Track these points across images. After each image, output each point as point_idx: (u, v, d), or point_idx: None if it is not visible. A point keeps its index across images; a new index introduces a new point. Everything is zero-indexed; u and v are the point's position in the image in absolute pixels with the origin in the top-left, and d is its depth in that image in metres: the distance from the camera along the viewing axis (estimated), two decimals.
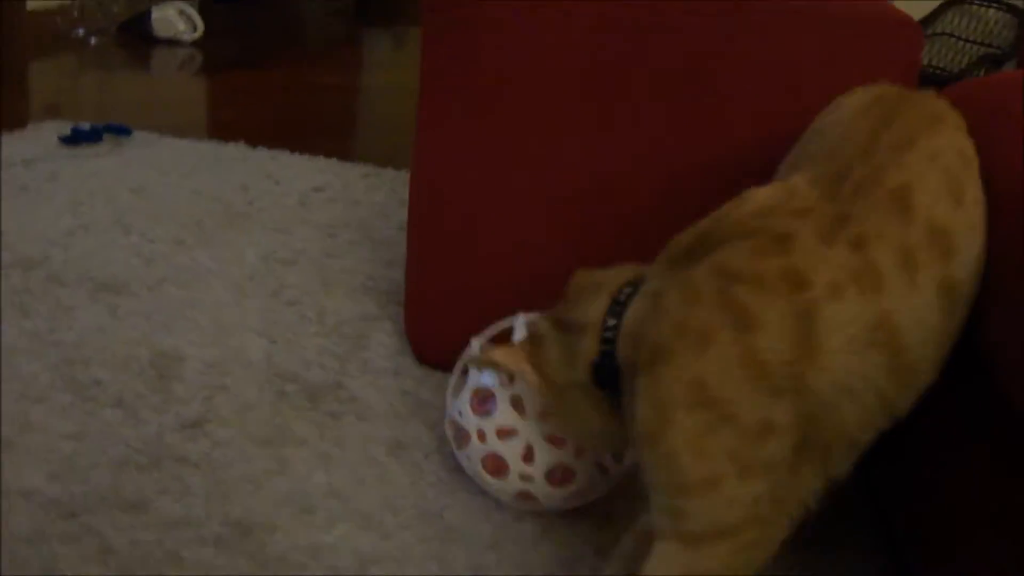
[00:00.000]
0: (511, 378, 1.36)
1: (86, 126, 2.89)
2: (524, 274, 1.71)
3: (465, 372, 1.47)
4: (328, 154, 2.93)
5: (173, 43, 4.71)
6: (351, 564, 1.35)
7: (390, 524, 1.44)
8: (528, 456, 1.38)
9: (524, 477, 1.39)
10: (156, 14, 4.68)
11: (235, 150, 2.89)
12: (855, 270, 1.09)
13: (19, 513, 1.34)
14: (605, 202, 1.69)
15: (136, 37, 4.74)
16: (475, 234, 1.74)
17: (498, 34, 1.63)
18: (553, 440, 1.37)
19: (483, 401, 1.41)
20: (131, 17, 4.80)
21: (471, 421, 1.41)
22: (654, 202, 1.66)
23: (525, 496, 1.41)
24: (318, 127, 3.45)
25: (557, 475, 1.39)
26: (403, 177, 2.72)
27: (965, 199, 1.17)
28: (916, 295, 1.11)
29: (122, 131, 2.91)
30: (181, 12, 4.72)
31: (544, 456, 1.38)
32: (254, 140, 2.99)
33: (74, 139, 2.83)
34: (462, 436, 1.44)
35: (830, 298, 1.08)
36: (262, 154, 2.87)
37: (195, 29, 4.75)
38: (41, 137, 2.86)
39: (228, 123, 3.31)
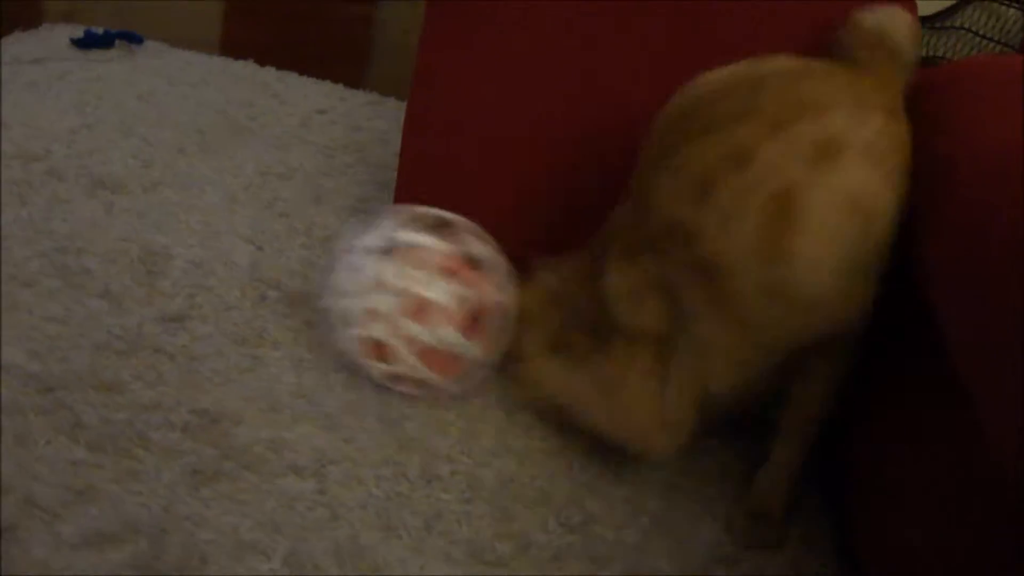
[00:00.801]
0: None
1: (99, 31, 2.93)
2: (512, 197, 1.75)
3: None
4: (336, 80, 2.96)
5: None
6: (310, 461, 1.41)
7: (352, 427, 1.49)
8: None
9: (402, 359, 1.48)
10: None
11: (244, 67, 2.92)
12: None
13: None
14: (599, 127, 1.72)
15: None
16: (466, 153, 1.78)
17: None
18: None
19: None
20: None
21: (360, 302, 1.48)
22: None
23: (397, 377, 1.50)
24: (330, 53, 3.46)
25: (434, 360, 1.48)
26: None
27: None
28: None
29: (134, 39, 2.95)
30: None
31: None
32: (264, 60, 3.02)
33: (86, 43, 2.87)
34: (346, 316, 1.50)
35: None
36: (270, 73, 2.90)
37: None
38: (53, 38, 2.90)
39: (241, 41, 3.32)
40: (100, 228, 1.87)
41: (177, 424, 1.43)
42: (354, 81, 3.01)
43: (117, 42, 2.93)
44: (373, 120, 2.67)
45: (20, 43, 2.82)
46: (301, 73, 2.97)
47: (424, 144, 1.83)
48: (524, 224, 1.75)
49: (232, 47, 3.19)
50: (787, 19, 1.63)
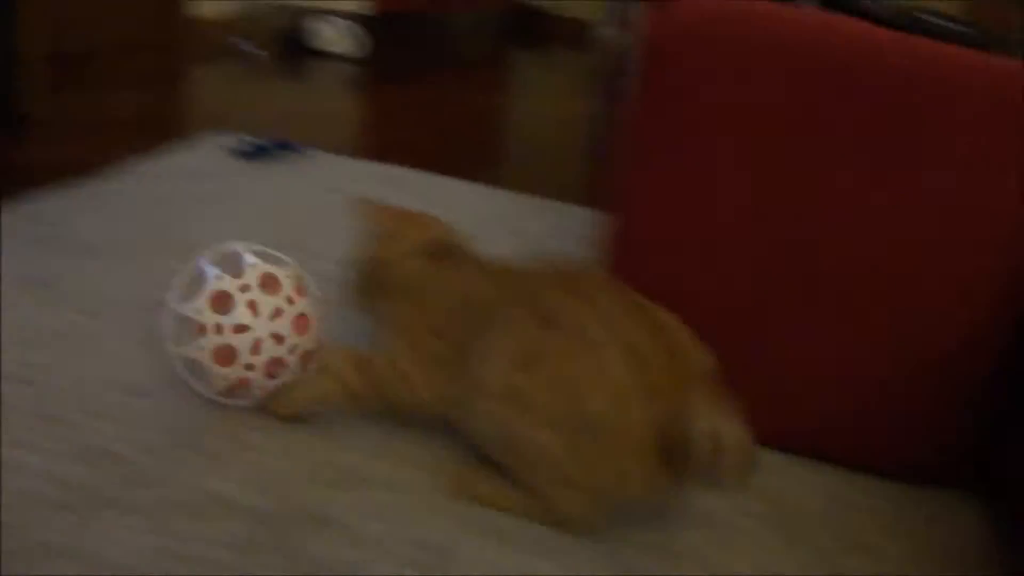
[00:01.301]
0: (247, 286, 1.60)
1: (257, 141, 2.96)
2: (723, 323, 1.70)
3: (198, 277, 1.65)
4: (479, 179, 2.98)
5: (335, 57, 4.78)
6: None
7: (567, 551, 1.44)
8: (256, 349, 1.58)
9: (248, 366, 1.59)
10: (320, 29, 4.75)
11: (399, 172, 2.93)
12: None
13: None
14: (809, 256, 1.66)
15: (299, 50, 4.83)
16: (677, 280, 1.73)
17: (713, 83, 1.62)
18: (276, 338, 1.60)
19: (222, 302, 1.59)
20: (295, 31, 4.88)
21: (209, 316, 1.59)
22: (857, 257, 1.63)
23: (242, 383, 1.61)
24: (470, 151, 3.48)
25: (274, 367, 1.61)
26: (567, 210, 2.74)
27: None
28: None
29: (291, 148, 2.97)
30: (346, 28, 4.78)
31: (269, 350, 1.59)
32: (408, 160, 3.06)
33: (246, 153, 2.90)
34: (196, 328, 1.60)
35: None
36: (425, 178, 2.89)
37: (359, 45, 4.81)
38: (211, 149, 2.94)
39: (386, 143, 3.36)
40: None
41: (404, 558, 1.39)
42: (497, 178, 3.00)
43: (275, 151, 2.95)
44: (530, 222, 2.64)
45: (179, 155, 2.85)
46: (448, 174, 2.99)
47: (633, 261, 1.77)
48: (732, 335, 1.69)
49: (377, 147, 3.21)
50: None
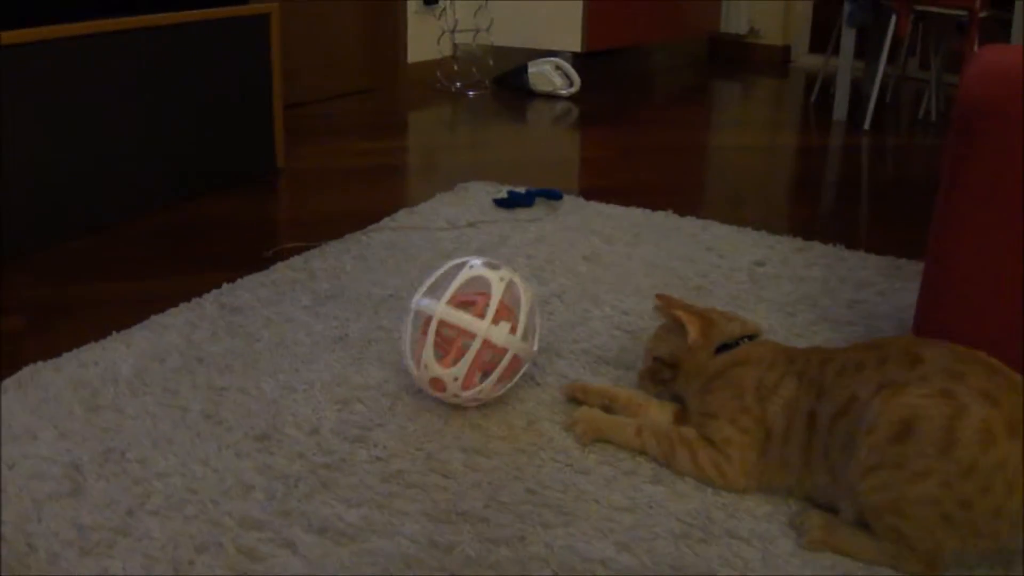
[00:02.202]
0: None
1: (521, 190, 2.97)
2: None
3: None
4: (722, 220, 2.95)
5: (549, 97, 4.79)
6: None
7: None
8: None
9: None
10: (533, 69, 4.78)
11: (666, 219, 2.90)
12: None
13: None
14: None
15: (512, 90, 4.85)
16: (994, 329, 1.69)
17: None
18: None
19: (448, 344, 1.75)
20: (507, 72, 4.91)
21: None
22: None
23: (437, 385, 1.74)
24: (698, 189, 3.45)
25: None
26: (835, 252, 2.68)
27: None
28: None
29: (553, 195, 2.97)
30: (557, 67, 4.80)
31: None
32: (647, 201, 3.07)
33: (509, 202, 2.91)
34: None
35: None
36: (692, 223, 2.86)
37: (571, 84, 4.82)
38: (472, 198, 2.95)
39: (618, 183, 3.34)
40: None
41: None
42: (739, 218, 2.98)
43: (537, 199, 2.95)
44: (809, 269, 2.58)
45: (445, 205, 2.87)
46: (697, 215, 2.96)
47: (949, 310, 1.73)
48: None
49: (601, 189, 3.20)
50: None
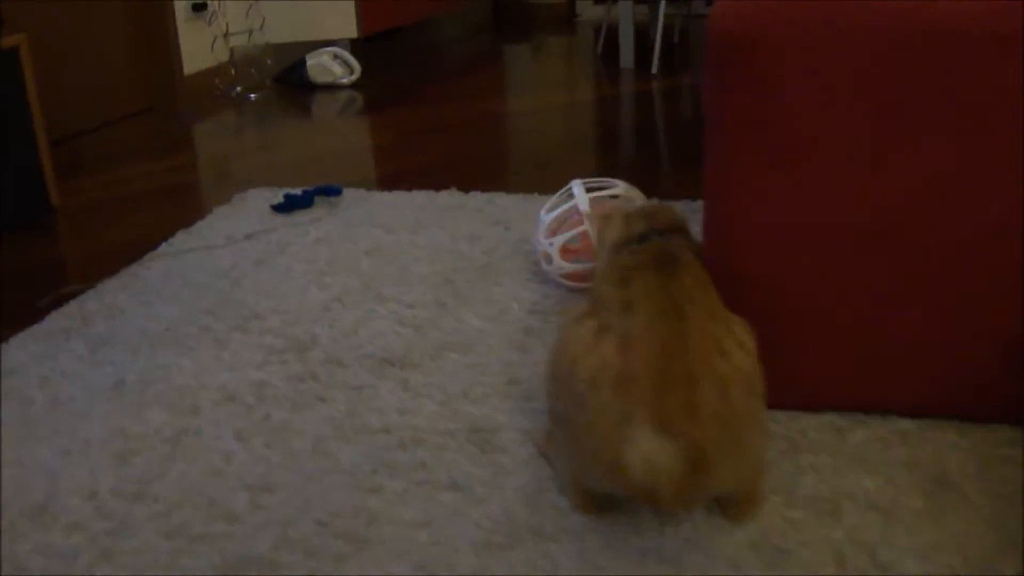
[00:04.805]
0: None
1: (297, 191, 2.89)
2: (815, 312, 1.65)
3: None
4: (524, 188, 2.93)
5: (331, 87, 4.71)
6: None
7: None
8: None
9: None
10: (311, 61, 4.70)
11: (449, 198, 2.85)
12: None
13: None
14: (893, 238, 1.60)
15: (293, 87, 4.76)
16: (773, 263, 1.66)
17: (787, 66, 1.55)
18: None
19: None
20: (285, 68, 4.81)
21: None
22: (938, 239, 1.58)
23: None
24: (492, 161, 3.41)
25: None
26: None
27: None
28: None
29: (332, 191, 2.89)
30: (335, 56, 4.72)
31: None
32: (438, 182, 3.03)
33: (287, 206, 2.82)
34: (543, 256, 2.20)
35: None
36: (476, 199, 2.82)
37: (352, 71, 4.75)
38: (251, 207, 2.86)
39: (408, 169, 3.29)
40: (411, 412, 1.77)
41: None
42: (532, 183, 2.97)
43: (316, 199, 2.87)
44: None
45: (222, 219, 2.77)
46: (485, 189, 2.95)
47: (727, 247, 1.69)
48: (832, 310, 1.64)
49: (392, 178, 3.14)
50: None
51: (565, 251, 2.18)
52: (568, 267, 2.18)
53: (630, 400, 1.27)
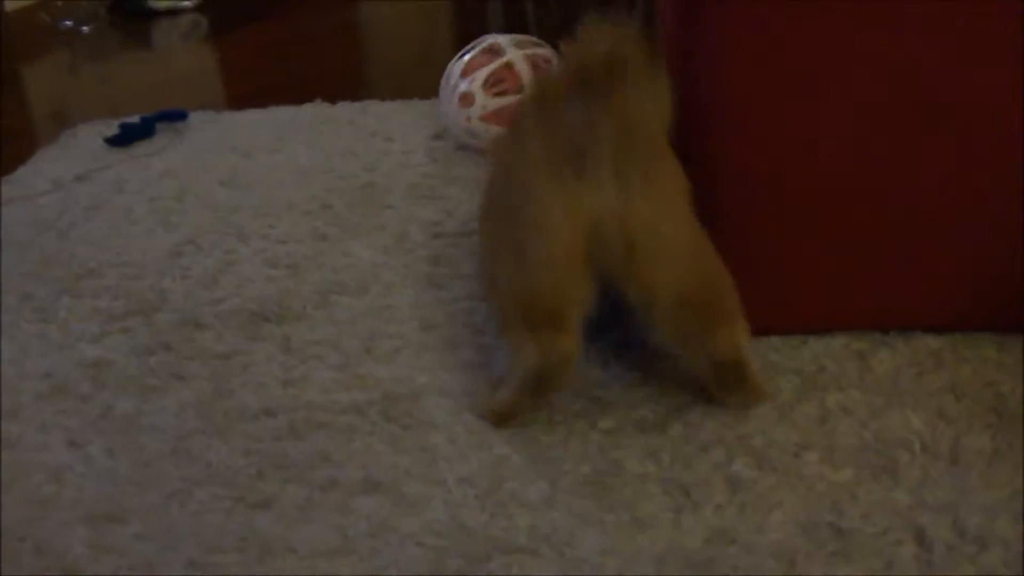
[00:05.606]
0: None
1: (135, 119, 2.43)
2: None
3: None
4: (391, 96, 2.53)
5: (172, 12, 4.28)
6: None
7: None
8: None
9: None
10: None
11: (315, 110, 2.42)
12: None
13: None
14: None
15: (130, 16, 4.32)
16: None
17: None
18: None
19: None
20: None
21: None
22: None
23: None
24: (349, 71, 3.07)
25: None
26: None
27: None
28: None
29: (176, 116, 2.45)
30: None
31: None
32: (294, 98, 2.59)
33: (124, 138, 2.38)
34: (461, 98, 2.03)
35: None
36: (348, 109, 2.39)
37: None
38: (82, 144, 2.39)
39: (259, 88, 2.89)
40: (300, 383, 1.36)
41: None
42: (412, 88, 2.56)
43: (157, 126, 2.42)
44: None
45: (48, 162, 2.30)
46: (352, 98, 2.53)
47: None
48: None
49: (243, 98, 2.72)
50: None
51: (488, 88, 2.02)
52: (493, 102, 2.00)
53: (563, 173, 1.19)
